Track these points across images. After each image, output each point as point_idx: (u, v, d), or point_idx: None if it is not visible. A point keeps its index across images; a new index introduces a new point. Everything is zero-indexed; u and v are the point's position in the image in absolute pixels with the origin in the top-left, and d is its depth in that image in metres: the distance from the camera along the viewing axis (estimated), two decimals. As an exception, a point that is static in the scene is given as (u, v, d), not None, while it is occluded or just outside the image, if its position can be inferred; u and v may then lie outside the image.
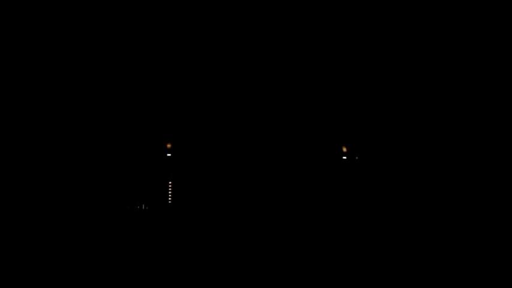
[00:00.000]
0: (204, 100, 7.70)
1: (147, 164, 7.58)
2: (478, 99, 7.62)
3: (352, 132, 7.60)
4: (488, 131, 7.53)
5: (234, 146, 7.63)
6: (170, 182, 7.66)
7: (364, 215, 7.38)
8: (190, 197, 7.60)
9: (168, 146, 7.59)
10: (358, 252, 6.87)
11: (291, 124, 7.71)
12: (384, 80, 7.75)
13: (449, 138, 7.54)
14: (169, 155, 7.64)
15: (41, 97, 7.32)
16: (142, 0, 7.46)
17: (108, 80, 7.49)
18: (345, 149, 7.39)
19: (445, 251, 6.83)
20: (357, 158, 7.36)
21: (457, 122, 7.60)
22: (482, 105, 7.61)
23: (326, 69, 7.78)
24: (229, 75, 7.71)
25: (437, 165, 7.44)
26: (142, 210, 7.52)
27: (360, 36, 7.74)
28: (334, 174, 7.50)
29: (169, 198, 7.62)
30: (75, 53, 7.40)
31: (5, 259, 6.56)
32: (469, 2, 7.62)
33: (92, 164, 7.41)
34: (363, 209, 7.41)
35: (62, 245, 6.84)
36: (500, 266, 6.53)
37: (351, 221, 7.34)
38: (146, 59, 7.56)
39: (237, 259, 6.72)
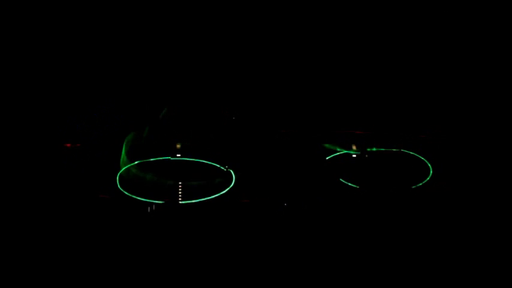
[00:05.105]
0: (202, 98, 7.74)
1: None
2: (477, 100, 7.66)
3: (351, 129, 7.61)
4: (487, 131, 7.56)
5: (232, 143, 7.65)
6: None
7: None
8: None
9: None
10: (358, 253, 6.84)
11: (290, 122, 7.74)
12: (382, 80, 7.80)
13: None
14: None
15: (37, 94, 7.37)
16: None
17: (106, 78, 7.54)
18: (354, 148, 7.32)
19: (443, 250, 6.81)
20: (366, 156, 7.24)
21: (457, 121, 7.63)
22: (482, 106, 7.65)
23: (325, 69, 7.82)
24: (227, 74, 7.75)
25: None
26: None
27: (359, 35, 7.79)
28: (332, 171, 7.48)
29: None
30: (72, 51, 7.46)
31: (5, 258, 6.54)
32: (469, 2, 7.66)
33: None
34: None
35: (59, 241, 6.83)
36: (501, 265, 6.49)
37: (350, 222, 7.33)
38: (144, 58, 7.61)
39: (234, 257, 6.70)
